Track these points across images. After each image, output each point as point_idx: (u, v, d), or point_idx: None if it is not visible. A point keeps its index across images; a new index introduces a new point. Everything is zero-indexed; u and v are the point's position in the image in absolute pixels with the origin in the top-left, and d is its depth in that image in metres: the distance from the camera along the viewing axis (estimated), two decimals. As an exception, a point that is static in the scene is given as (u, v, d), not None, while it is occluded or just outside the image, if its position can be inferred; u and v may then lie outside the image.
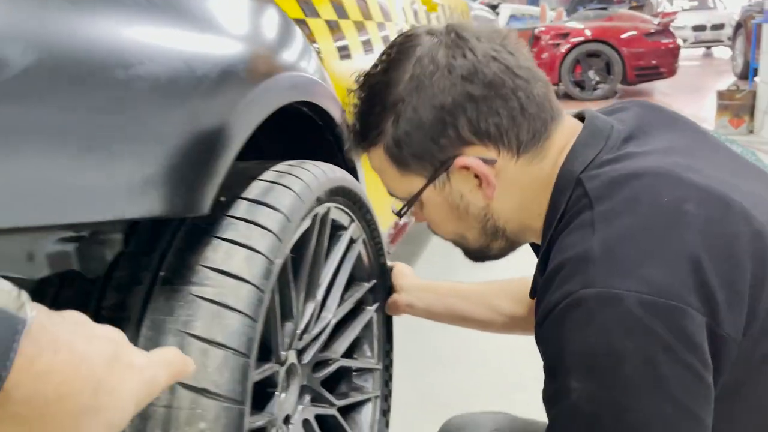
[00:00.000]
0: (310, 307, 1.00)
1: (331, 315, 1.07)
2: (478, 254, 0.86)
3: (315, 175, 0.92)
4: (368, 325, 1.22)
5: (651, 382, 0.58)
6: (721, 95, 5.10)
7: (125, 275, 0.71)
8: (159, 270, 0.71)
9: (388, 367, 1.29)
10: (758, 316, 0.60)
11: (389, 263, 1.26)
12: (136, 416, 0.61)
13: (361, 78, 0.79)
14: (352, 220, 1.14)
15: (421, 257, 2.83)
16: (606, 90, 7.48)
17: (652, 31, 7.56)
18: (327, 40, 1.25)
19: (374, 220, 1.21)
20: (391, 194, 0.84)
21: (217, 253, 0.72)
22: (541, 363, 0.67)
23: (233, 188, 0.80)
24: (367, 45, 1.51)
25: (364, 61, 1.43)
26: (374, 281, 1.22)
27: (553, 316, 0.63)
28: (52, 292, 0.70)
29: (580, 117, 0.79)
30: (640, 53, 7.43)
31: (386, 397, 1.29)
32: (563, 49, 7.57)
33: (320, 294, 1.03)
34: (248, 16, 0.89)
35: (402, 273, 1.24)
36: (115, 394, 0.37)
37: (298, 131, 1.14)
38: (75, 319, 0.38)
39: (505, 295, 1.13)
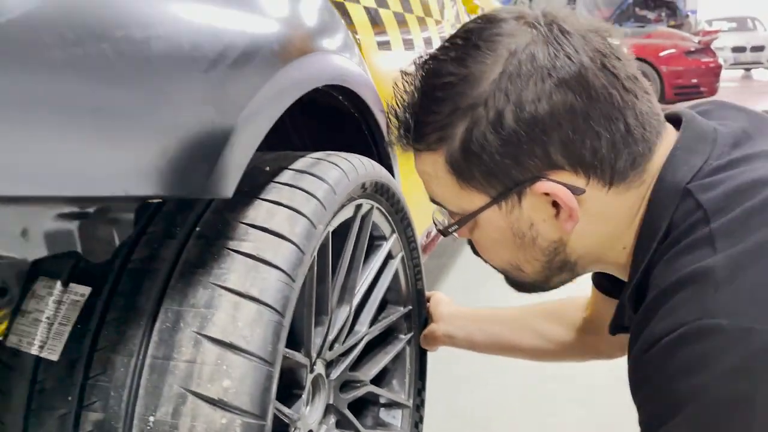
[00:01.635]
0: (344, 312, 0.91)
1: (365, 330, 0.98)
2: (528, 287, 0.73)
3: (361, 162, 0.86)
4: (400, 357, 1.13)
5: None
6: None
7: (159, 228, 0.67)
8: (195, 226, 0.66)
9: (419, 408, 1.18)
10: None
11: (427, 292, 1.16)
12: (151, 369, 0.59)
13: (425, 62, 0.65)
14: (393, 231, 1.05)
15: (453, 268, 2.72)
16: (643, 108, 7.31)
17: (693, 49, 7.37)
18: (366, 29, 1.17)
19: (415, 237, 1.12)
20: (434, 202, 0.71)
21: (257, 212, 0.68)
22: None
23: (278, 161, 0.76)
24: (407, 41, 1.42)
25: (404, 57, 1.35)
26: (410, 308, 1.12)
27: (659, 348, 0.52)
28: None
29: (674, 118, 0.67)
30: (679, 71, 7.24)
31: (417, 424, 1.18)
32: (600, 66, 7.44)
33: (355, 301, 0.94)
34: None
35: (439, 301, 1.13)
36: None
37: (329, 122, 1.06)
38: None
39: (553, 319, 1.02)
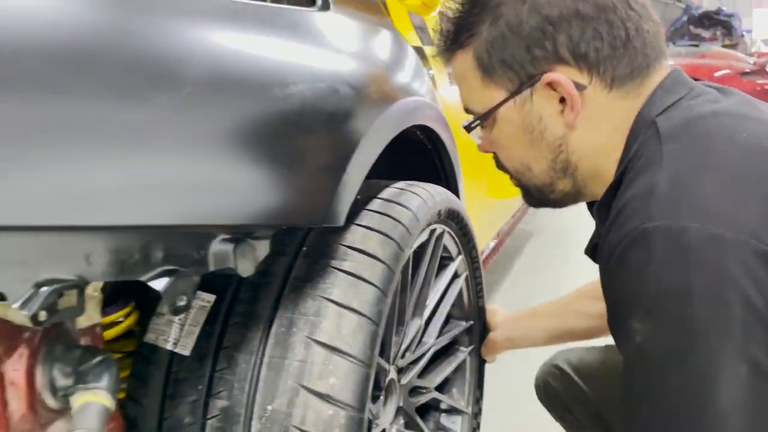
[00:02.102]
0: (416, 324, 1.02)
1: (432, 341, 1.09)
2: (538, 194, 0.80)
3: (438, 191, 0.97)
4: (460, 368, 1.23)
5: (719, 323, 0.54)
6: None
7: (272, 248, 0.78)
8: (302, 246, 0.78)
9: (476, 415, 1.27)
10: None
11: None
12: (269, 366, 0.70)
13: None
14: (459, 253, 1.16)
15: (504, 284, 2.80)
16: (695, 129, 7.22)
17: (748, 70, 7.26)
18: (439, 65, 1.28)
19: (478, 258, 1.23)
20: (467, 110, 0.80)
21: (354, 235, 0.79)
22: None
23: (368, 190, 0.87)
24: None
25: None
26: (471, 322, 1.22)
27: (614, 257, 0.60)
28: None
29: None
30: (734, 92, 7.16)
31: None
32: (651, 85, 7.40)
33: (425, 314, 1.04)
34: (381, 47, 0.93)
35: (494, 312, 1.22)
36: None
37: (405, 153, 1.18)
38: None
39: (588, 297, 1.09)
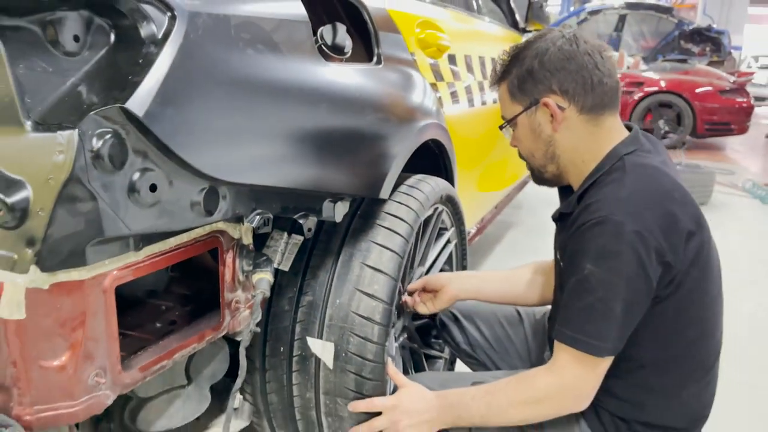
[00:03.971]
0: (421, 270, 1.53)
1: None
2: (538, 174, 1.29)
3: (441, 182, 1.49)
4: None
5: (627, 276, 1.04)
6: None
7: (330, 226, 1.28)
8: (358, 209, 1.27)
9: None
10: (688, 256, 1.07)
11: None
12: (337, 278, 1.18)
13: (511, 50, 1.25)
14: (453, 226, 1.67)
15: (483, 266, 3.32)
16: (674, 140, 7.72)
17: (727, 88, 7.77)
18: (445, 92, 1.79)
19: (465, 231, 1.74)
20: (503, 117, 1.29)
21: (390, 206, 1.29)
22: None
23: (399, 180, 1.36)
24: (470, 96, 2.04)
25: (465, 103, 1.96)
26: None
27: (583, 228, 1.09)
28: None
29: (628, 126, 1.25)
30: (713, 108, 7.64)
31: (452, 362, 1.79)
32: (636, 96, 7.89)
33: (427, 264, 1.56)
34: (411, 87, 1.44)
35: (447, 275, 1.57)
36: None
37: (421, 156, 1.68)
38: None
39: (536, 272, 1.52)
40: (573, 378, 1.09)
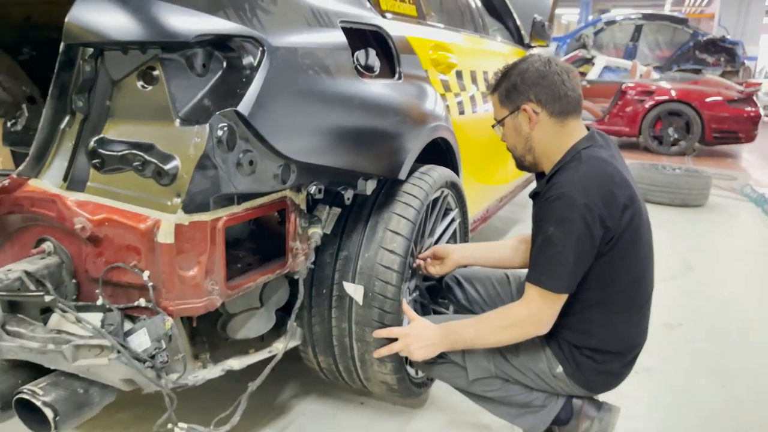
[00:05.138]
0: (430, 241, 1.95)
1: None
2: (519, 161, 1.68)
3: (446, 171, 1.91)
4: None
5: (577, 234, 1.43)
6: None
7: (362, 200, 1.70)
8: (382, 188, 1.69)
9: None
10: (622, 223, 1.47)
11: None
12: (366, 238, 1.60)
13: (502, 69, 1.65)
14: (456, 207, 2.09)
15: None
16: (683, 147, 8.05)
17: (736, 98, 8.06)
18: (452, 101, 2.21)
19: (467, 213, 2.16)
20: (495, 119, 1.68)
21: (407, 185, 1.71)
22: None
23: (414, 167, 1.78)
24: (474, 104, 2.46)
25: (469, 110, 2.38)
26: None
27: (547, 201, 1.49)
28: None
29: (588, 128, 1.64)
30: (721, 117, 7.95)
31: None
32: (647, 105, 8.22)
33: (435, 236, 1.98)
34: (424, 97, 1.87)
35: (451, 246, 2.01)
36: None
37: (432, 150, 2.11)
38: None
39: (517, 241, 1.93)
40: (537, 309, 1.50)
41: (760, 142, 8.28)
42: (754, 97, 8.28)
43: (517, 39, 3.59)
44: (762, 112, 8.17)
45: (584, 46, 11.72)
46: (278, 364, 1.46)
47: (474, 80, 2.49)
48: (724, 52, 11.98)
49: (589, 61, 9.91)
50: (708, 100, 8.03)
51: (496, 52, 3.02)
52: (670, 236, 4.23)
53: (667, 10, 21.42)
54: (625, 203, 1.49)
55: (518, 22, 3.55)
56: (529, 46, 3.66)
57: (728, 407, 2.09)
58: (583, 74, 10.12)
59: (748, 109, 8.04)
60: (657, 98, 8.23)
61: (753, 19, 15.56)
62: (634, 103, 8.35)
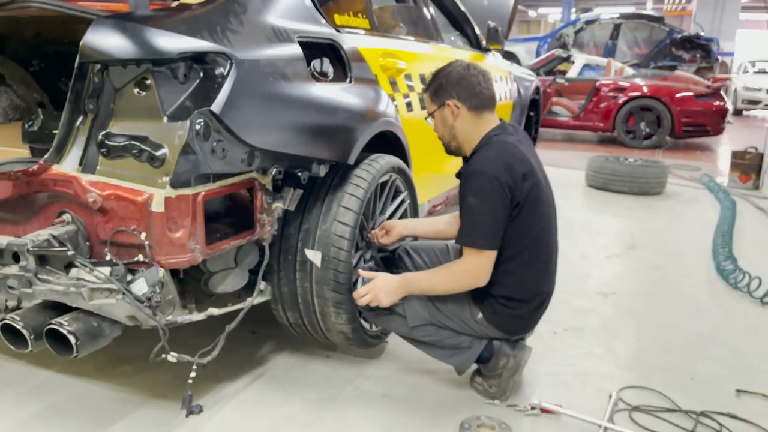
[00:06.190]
0: (382, 218, 2.33)
1: (389, 227, 2.40)
2: (447, 147, 2.07)
3: (393, 158, 2.28)
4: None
5: (492, 200, 1.81)
6: (734, 155, 6.07)
7: (320, 182, 2.07)
8: (337, 172, 2.07)
9: None
10: (524, 190, 1.85)
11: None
12: (322, 214, 1.98)
13: (434, 72, 2.02)
14: (405, 190, 2.47)
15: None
16: (654, 141, 8.45)
17: (703, 93, 8.47)
18: (401, 100, 2.59)
19: (416, 195, 2.53)
20: (427, 113, 2.07)
21: (357, 169, 2.09)
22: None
23: (362, 156, 2.16)
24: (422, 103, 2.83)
25: (418, 108, 2.76)
26: None
27: (466, 176, 1.88)
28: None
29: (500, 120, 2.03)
30: (690, 111, 8.36)
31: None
32: (620, 101, 8.63)
33: (386, 215, 2.35)
34: (373, 97, 2.24)
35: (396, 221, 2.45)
36: None
37: (380, 142, 2.48)
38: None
39: (452, 217, 2.29)
40: (471, 264, 1.88)
41: (741, 134, 8.65)
42: (722, 92, 8.70)
43: (475, 44, 3.97)
44: (741, 105, 8.53)
45: (564, 45, 12.15)
46: (256, 327, 1.83)
47: (423, 82, 2.86)
48: (700, 49, 12.37)
49: (566, 59, 10.29)
50: (678, 95, 8.43)
51: (447, 57, 3.39)
52: (625, 221, 4.62)
53: (649, 8, 21.87)
54: (524, 173, 1.87)
55: (476, 30, 3.93)
56: (487, 50, 4.04)
57: (638, 355, 2.47)
58: (563, 72, 10.52)
59: (716, 103, 8.44)
60: (629, 94, 8.63)
61: (729, 15, 16.01)
62: (607, 100, 8.76)
